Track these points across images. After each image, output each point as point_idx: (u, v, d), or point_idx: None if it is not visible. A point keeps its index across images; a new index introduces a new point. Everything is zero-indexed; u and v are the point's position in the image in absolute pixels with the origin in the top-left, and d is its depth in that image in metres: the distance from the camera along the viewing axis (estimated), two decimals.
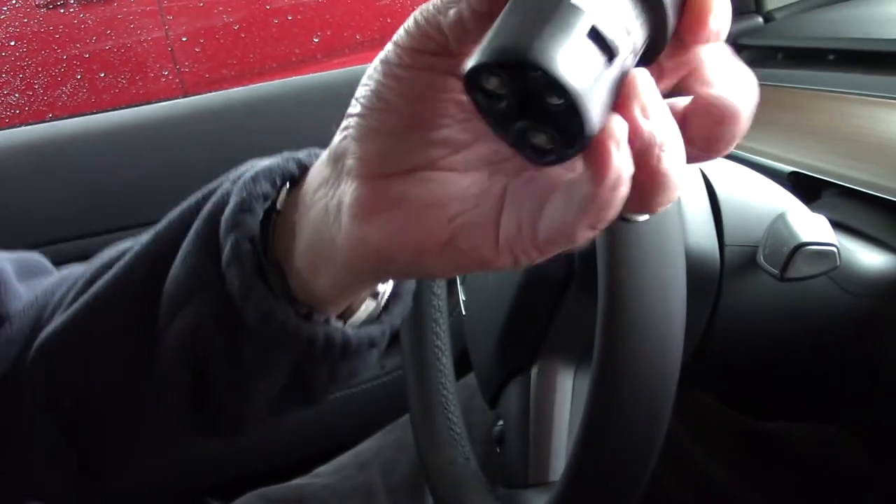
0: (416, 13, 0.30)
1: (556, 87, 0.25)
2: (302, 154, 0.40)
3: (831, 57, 0.87)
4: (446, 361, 0.78)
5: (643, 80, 0.27)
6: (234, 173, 0.41)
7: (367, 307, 0.41)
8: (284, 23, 1.88)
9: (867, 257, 0.61)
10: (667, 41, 0.28)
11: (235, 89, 1.22)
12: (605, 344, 0.44)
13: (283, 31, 1.88)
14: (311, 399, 0.42)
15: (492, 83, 0.27)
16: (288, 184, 0.39)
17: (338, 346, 0.38)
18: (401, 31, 0.31)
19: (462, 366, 0.84)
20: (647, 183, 0.28)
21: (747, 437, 0.86)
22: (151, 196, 1.12)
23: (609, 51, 0.26)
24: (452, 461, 0.71)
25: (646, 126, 0.27)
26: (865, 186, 0.66)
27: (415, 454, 0.79)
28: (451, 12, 0.29)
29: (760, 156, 0.80)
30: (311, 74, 1.24)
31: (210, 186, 0.42)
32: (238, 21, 1.90)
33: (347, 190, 0.34)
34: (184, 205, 0.42)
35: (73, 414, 0.45)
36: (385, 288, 0.42)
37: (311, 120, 1.17)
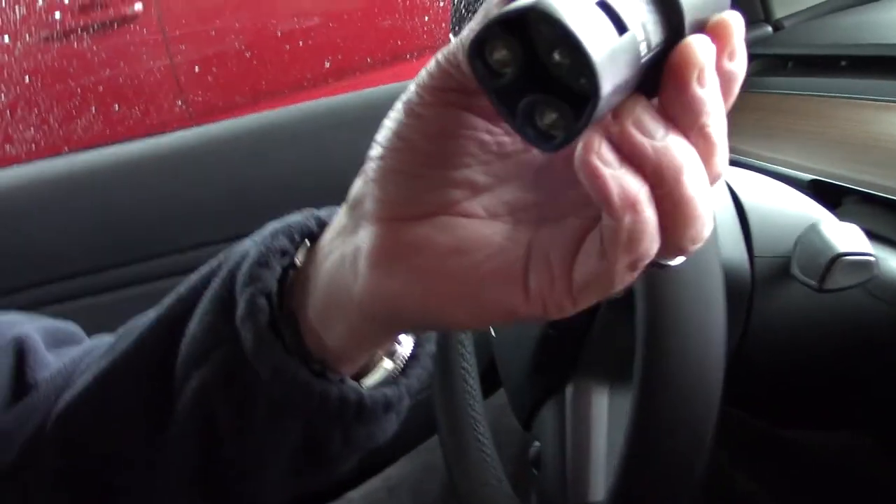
0: (438, 55, 0.31)
1: (563, 36, 0.24)
2: (322, 212, 0.40)
3: (843, 63, 0.87)
4: (473, 383, 0.78)
5: (639, 109, 0.27)
6: (255, 234, 0.41)
7: (385, 368, 0.40)
8: (295, 48, 1.88)
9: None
10: None
11: (247, 116, 1.22)
12: (646, 365, 0.43)
13: (294, 56, 1.89)
14: (325, 466, 0.41)
15: (497, 54, 0.27)
16: (307, 241, 0.39)
17: (352, 405, 0.37)
18: (422, 73, 0.31)
19: (487, 382, 0.83)
20: (671, 213, 0.27)
21: (770, 444, 0.86)
22: (170, 226, 1.13)
23: (619, 24, 0.25)
24: (485, 483, 0.70)
25: (658, 144, 0.26)
26: (887, 192, 0.66)
27: (444, 477, 0.78)
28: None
29: (780, 165, 0.80)
30: (322, 99, 1.24)
31: (232, 247, 0.41)
32: (249, 47, 1.91)
33: (366, 235, 0.33)
34: (205, 266, 0.42)
35: (85, 488, 0.44)
36: (403, 350, 0.41)
37: (324, 145, 1.17)
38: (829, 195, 0.72)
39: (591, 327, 0.60)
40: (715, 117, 0.27)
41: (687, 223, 0.27)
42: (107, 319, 0.54)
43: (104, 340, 0.48)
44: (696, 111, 0.27)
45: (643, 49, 0.26)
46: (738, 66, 0.28)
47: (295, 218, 0.40)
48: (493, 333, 0.77)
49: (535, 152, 0.33)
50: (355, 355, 0.38)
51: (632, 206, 0.27)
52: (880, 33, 0.85)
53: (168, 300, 0.43)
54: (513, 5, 0.26)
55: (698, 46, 0.26)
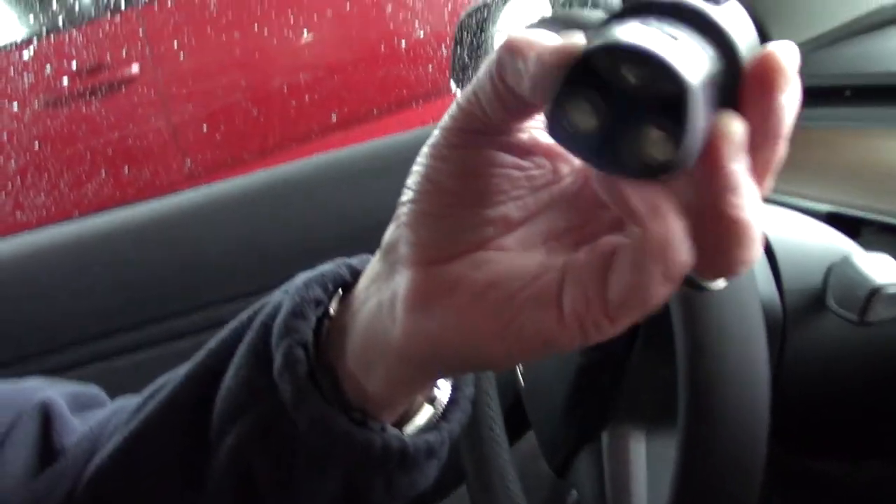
0: (458, 97, 0.31)
1: (627, 53, 0.25)
2: (354, 260, 0.40)
3: (848, 93, 0.87)
4: (499, 430, 0.77)
5: (732, 120, 0.26)
6: (286, 285, 0.41)
7: (425, 413, 0.40)
8: (301, 102, 1.90)
9: None
10: (739, 78, 0.27)
11: (255, 173, 1.23)
12: (690, 404, 0.43)
13: (300, 111, 1.90)
14: None
15: (577, 113, 0.26)
16: (340, 290, 0.39)
17: (395, 453, 0.37)
18: (445, 116, 0.31)
19: (512, 424, 0.82)
20: (726, 234, 0.27)
21: (802, 476, 0.85)
22: (183, 286, 1.13)
23: (671, 35, 0.26)
24: None
25: (728, 166, 0.26)
26: None
27: None
28: (487, 87, 0.30)
29: (794, 196, 0.80)
30: (330, 152, 1.25)
31: (263, 300, 0.41)
32: (255, 103, 1.93)
33: (402, 280, 0.33)
34: (235, 320, 0.42)
35: None
36: (442, 394, 0.40)
37: (333, 197, 1.17)
38: (847, 226, 0.72)
39: (625, 370, 0.60)
40: (786, 132, 0.27)
41: (741, 244, 0.27)
42: (125, 383, 0.53)
43: (129, 401, 0.48)
44: (779, 119, 0.27)
45: (708, 65, 0.26)
46: (795, 95, 0.28)
47: (327, 267, 0.39)
48: (521, 382, 0.76)
49: (567, 181, 0.33)
50: (395, 402, 0.38)
51: (658, 212, 0.27)
52: (883, 62, 0.86)
53: (198, 356, 0.42)
54: (569, 62, 0.26)
55: (783, 53, 0.26)
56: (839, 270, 0.55)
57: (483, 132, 0.31)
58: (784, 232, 0.60)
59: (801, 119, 0.79)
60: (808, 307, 0.56)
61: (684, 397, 0.43)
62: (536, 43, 0.28)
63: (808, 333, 0.57)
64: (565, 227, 0.33)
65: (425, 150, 0.32)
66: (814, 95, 0.91)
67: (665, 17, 0.27)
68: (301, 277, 0.39)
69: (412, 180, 0.32)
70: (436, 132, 0.32)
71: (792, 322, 0.57)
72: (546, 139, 0.32)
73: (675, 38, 0.26)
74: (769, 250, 0.58)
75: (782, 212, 0.64)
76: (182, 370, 0.43)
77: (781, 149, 0.28)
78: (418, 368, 0.35)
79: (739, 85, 0.27)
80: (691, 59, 0.25)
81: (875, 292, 0.51)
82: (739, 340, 0.43)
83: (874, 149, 0.77)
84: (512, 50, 0.29)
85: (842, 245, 0.60)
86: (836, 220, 0.73)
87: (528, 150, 0.32)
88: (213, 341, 0.42)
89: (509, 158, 0.32)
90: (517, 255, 0.32)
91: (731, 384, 0.42)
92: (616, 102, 0.26)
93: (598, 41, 0.26)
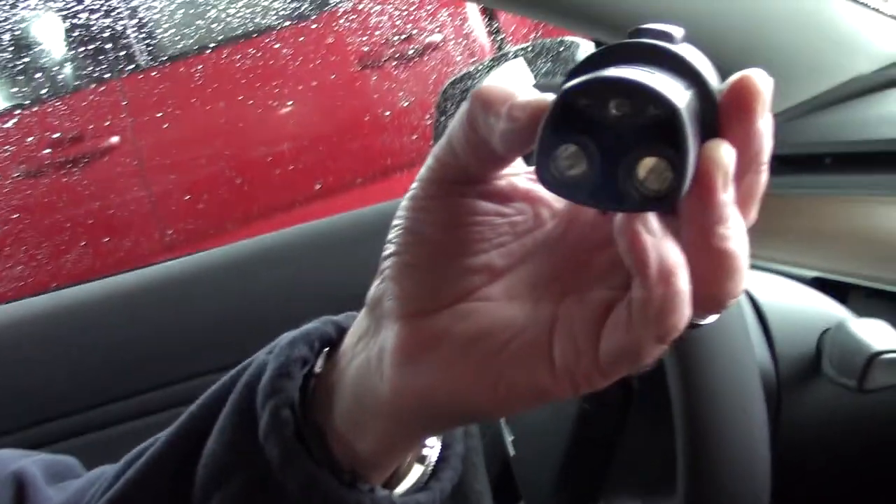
0: (434, 149, 0.31)
1: (608, 86, 0.25)
2: (340, 317, 0.39)
3: (828, 161, 0.89)
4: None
5: (721, 145, 0.26)
6: (270, 345, 0.40)
7: (415, 473, 0.39)
8: (285, 172, 1.92)
9: None
10: (713, 107, 0.27)
11: (237, 243, 1.22)
12: (689, 471, 0.42)
13: (284, 181, 1.92)
14: None
15: (564, 154, 0.26)
16: (327, 348, 0.38)
17: None
18: (423, 169, 0.32)
19: (499, 492, 0.80)
20: (714, 266, 0.27)
21: None
22: (166, 358, 1.11)
23: (647, 70, 0.26)
24: None
25: (720, 196, 0.26)
26: (893, 285, 0.66)
27: None
28: (461, 137, 0.30)
29: (779, 264, 0.81)
30: (313, 222, 1.25)
31: (246, 362, 0.40)
32: (239, 172, 1.93)
33: (388, 335, 0.33)
34: (218, 383, 0.41)
35: None
36: (432, 452, 0.40)
37: (318, 267, 1.17)
38: (832, 292, 0.72)
39: (621, 436, 0.59)
40: (766, 157, 0.27)
41: (731, 276, 0.27)
42: (102, 457, 0.52)
43: (108, 469, 0.47)
44: (761, 143, 0.27)
45: (682, 88, 0.26)
46: (770, 119, 0.27)
47: (313, 325, 0.39)
48: (510, 450, 0.75)
49: (550, 226, 0.33)
50: (385, 462, 0.37)
51: (666, 278, 0.26)
52: (862, 130, 0.88)
53: (180, 420, 0.41)
54: (548, 109, 0.26)
55: (756, 77, 0.26)
56: (834, 336, 0.55)
57: (460, 181, 0.31)
58: (775, 297, 0.60)
59: (783, 186, 0.80)
60: (802, 373, 0.56)
61: (683, 459, 0.42)
62: (507, 96, 0.28)
63: (802, 399, 0.57)
64: (551, 272, 0.32)
65: (405, 202, 0.32)
66: (795, 163, 0.93)
67: (630, 60, 0.27)
68: (286, 336, 0.39)
69: (394, 234, 0.32)
70: (414, 184, 0.32)
71: (786, 388, 0.56)
72: (524, 184, 0.32)
73: (651, 72, 0.26)
74: (761, 316, 0.58)
75: (771, 278, 0.64)
76: (163, 435, 0.42)
77: (764, 176, 0.28)
78: (408, 424, 0.34)
79: (714, 115, 0.27)
80: (671, 86, 0.26)
81: (873, 358, 0.51)
82: (738, 401, 0.43)
83: (857, 215, 0.77)
84: (482, 102, 0.29)
85: (834, 311, 0.60)
86: (822, 285, 0.74)
87: (508, 197, 0.32)
88: (195, 405, 0.41)
89: (489, 206, 0.32)
90: (503, 306, 0.32)
91: (730, 446, 0.42)
92: (603, 140, 0.26)
93: (576, 80, 0.26)
